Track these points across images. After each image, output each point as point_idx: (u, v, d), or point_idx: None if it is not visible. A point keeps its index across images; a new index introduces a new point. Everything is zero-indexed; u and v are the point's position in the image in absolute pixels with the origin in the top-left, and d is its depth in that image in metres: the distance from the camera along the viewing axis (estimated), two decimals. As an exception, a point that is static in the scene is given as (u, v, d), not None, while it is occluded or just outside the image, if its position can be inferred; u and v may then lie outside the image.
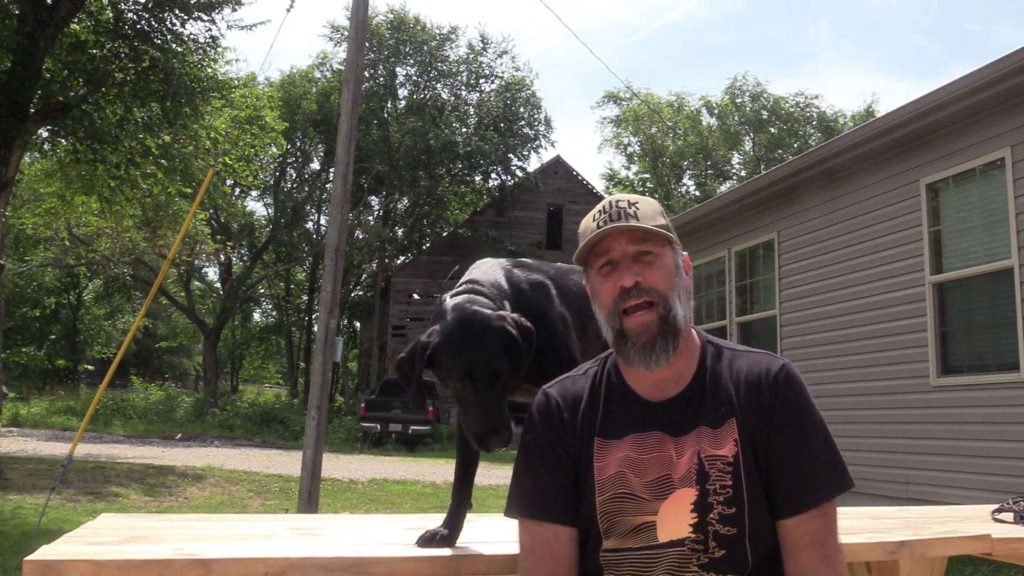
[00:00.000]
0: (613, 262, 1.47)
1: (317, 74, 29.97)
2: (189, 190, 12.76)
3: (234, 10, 10.70)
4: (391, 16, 27.94)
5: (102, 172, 11.03)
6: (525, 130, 27.61)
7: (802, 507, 1.40)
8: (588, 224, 1.51)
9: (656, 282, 1.44)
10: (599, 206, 1.52)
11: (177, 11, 10.30)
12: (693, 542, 1.38)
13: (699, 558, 1.38)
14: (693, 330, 1.54)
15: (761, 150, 33.96)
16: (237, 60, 20.23)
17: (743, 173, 33.48)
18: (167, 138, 10.99)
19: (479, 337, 1.51)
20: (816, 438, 1.44)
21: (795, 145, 33.35)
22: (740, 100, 34.39)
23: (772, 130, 34.04)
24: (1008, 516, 2.31)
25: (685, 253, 1.55)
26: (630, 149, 37.41)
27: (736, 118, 34.21)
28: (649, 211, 1.49)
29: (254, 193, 29.30)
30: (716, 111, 34.69)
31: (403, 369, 1.56)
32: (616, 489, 1.44)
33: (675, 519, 1.40)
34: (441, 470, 13.45)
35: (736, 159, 35.25)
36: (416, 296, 26.35)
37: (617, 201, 1.50)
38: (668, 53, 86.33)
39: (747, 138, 35.04)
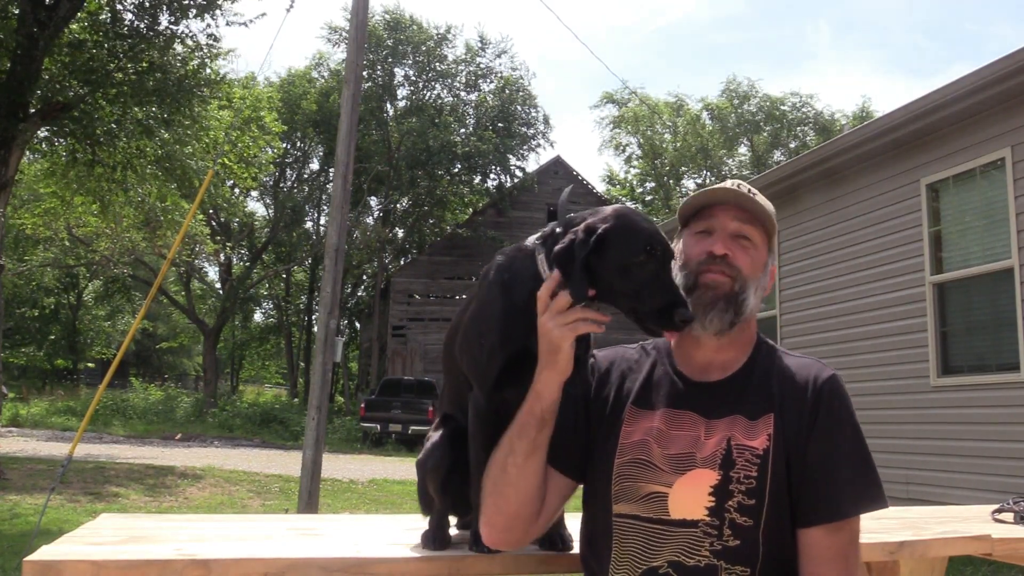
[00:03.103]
0: (711, 231, 1.51)
1: (315, 74, 30.00)
2: (186, 203, 12.77)
3: (233, 1, 10.69)
4: (387, 16, 27.97)
5: (99, 174, 11.04)
6: (523, 129, 27.62)
7: (831, 517, 1.39)
8: (702, 191, 1.55)
9: (743, 263, 1.49)
10: (719, 184, 1.56)
11: (171, 11, 10.31)
12: (707, 526, 1.38)
13: (712, 543, 1.37)
14: (756, 330, 1.57)
15: (759, 151, 33.98)
16: (234, 53, 20.10)
17: (739, 174, 33.48)
18: (165, 135, 10.98)
19: (649, 219, 1.49)
20: (854, 451, 1.43)
21: (791, 145, 33.40)
22: (735, 102, 34.46)
23: (767, 128, 34.07)
24: (1008, 516, 2.31)
25: (774, 264, 1.58)
26: (629, 150, 37.46)
27: (733, 119, 34.25)
28: (764, 204, 1.54)
29: (254, 193, 29.33)
30: (715, 112, 34.73)
31: (562, 258, 1.42)
32: (635, 454, 1.45)
33: (691, 498, 1.39)
34: (441, 470, 13.41)
35: (734, 161, 35.26)
36: (416, 296, 26.35)
37: (740, 183, 1.55)
38: (667, 54, 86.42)
39: (743, 140, 35.07)
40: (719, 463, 1.40)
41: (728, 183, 1.55)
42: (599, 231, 1.41)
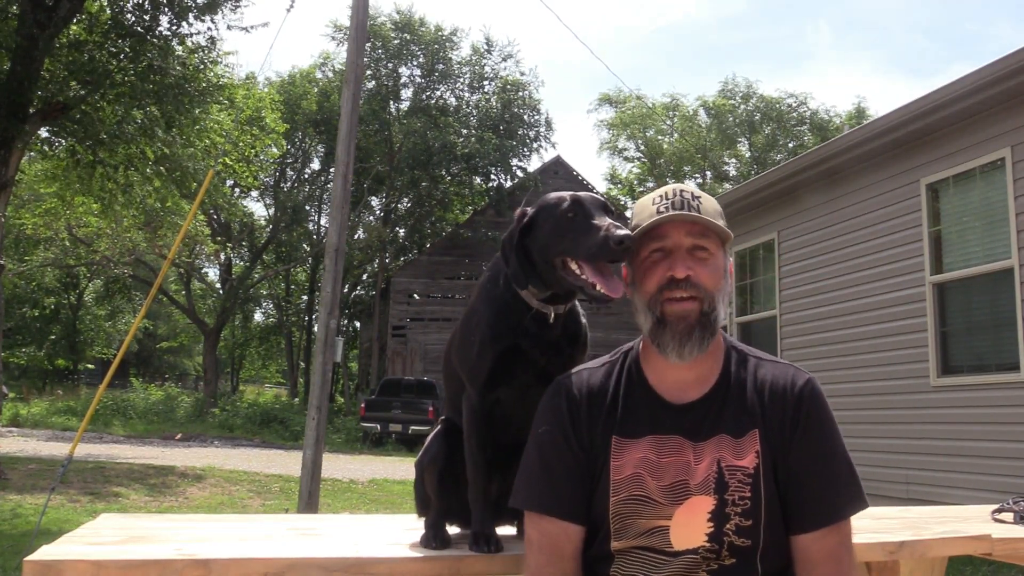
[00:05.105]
0: (665, 250, 1.45)
1: (319, 74, 29.97)
2: (186, 205, 12.75)
3: (233, 11, 10.68)
4: (397, 16, 27.92)
5: (99, 175, 11.03)
6: (524, 131, 27.58)
7: (819, 524, 1.40)
8: (646, 207, 1.48)
9: (706, 280, 1.44)
10: (661, 191, 1.50)
11: (172, 13, 10.30)
12: (707, 551, 1.38)
13: (708, 564, 1.38)
14: (720, 334, 1.54)
15: (757, 151, 33.99)
16: (236, 62, 20.23)
17: (739, 174, 33.49)
18: (163, 136, 10.97)
19: (582, 189, 1.64)
20: (836, 455, 1.44)
21: (790, 145, 33.40)
22: (733, 101, 34.48)
23: (765, 130, 34.09)
24: (1008, 516, 2.31)
25: (731, 259, 1.54)
26: (627, 152, 37.45)
27: (731, 119, 34.25)
28: (710, 208, 1.48)
29: (254, 193, 29.31)
30: (713, 112, 34.74)
31: (504, 244, 1.62)
32: (631, 491, 1.42)
33: (691, 526, 1.39)
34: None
35: (733, 162, 35.27)
36: (416, 296, 26.34)
37: (682, 191, 1.48)
38: (668, 54, 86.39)
39: (742, 140, 35.07)
40: (713, 488, 1.39)
41: (670, 191, 1.49)
42: (528, 211, 1.62)
